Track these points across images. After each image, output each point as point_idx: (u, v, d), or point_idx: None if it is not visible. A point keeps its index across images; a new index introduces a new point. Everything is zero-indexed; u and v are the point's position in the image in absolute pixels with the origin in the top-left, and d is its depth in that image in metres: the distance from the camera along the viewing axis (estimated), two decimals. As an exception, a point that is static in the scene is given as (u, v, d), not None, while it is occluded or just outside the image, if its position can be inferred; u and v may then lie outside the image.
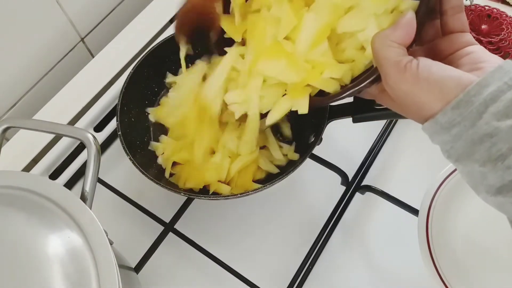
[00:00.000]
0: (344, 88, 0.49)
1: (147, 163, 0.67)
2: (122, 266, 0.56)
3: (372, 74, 0.44)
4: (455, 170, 0.62)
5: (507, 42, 0.74)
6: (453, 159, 0.39)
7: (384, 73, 0.41)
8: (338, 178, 0.70)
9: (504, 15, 0.77)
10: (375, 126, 0.74)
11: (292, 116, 0.55)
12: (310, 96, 0.52)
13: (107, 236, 0.44)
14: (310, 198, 0.72)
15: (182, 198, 0.69)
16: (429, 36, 0.45)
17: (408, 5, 0.42)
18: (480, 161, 0.37)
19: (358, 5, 0.46)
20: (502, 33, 0.75)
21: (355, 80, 0.48)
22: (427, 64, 0.39)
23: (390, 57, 0.40)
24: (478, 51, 0.41)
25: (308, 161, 0.67)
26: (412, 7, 0.42)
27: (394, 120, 0.75)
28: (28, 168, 0.73)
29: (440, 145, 0.40)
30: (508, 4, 0.83)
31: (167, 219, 0.68)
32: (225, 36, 0.57)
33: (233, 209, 0.71)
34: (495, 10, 0.78)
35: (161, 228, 0.67)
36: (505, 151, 0.35)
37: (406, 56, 0.40)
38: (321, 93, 0.52)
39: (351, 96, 0.48)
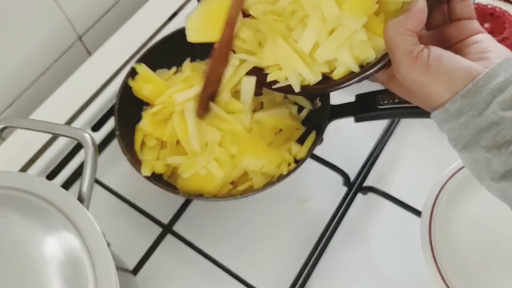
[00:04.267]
0: (353, 74, 0.48)
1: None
2: (119, 268, 0.55)
3: (382, 59, 0.44)
4: (458, 171, 0.62)
5: (510, 41, 0.74)
6: (459, 146, 0.41)
7: (395, 61, 0.42)
8: (340, 179, 0.70)
9: (506, 14, 0.77)
10: (378, 126, 0.73)
11: None
12: (323, 80, 0.51)
13: (104, 237, 0.44)
14: (312, 199, 0.71)
15: (180, 199, 0.69)
16: (437, 22, 0.46)
17: None
18: (486, 147, 0.38)
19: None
20: (505, 31, 0.75)
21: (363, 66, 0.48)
22: (437, 53, 0.40)
23: (403, 45, 0.41)
24: (485, 40, 0.42)
25: (310, 162, 0.66)
26: None
27: (396, 120, 0.75)
28: (24, 168, 0.73)
29: (448, 133, 0.42)
30: (510, 2, 0.83)
31: (165, 221, 0.68)
32: None
33: (233, 211, 0.71)
34: (497, 8, 0.78)
35: (159, 229, 0.67)
36: (509, 138, 0.37)
37: (418, 45, 0.41)
38: (327, 79, 0.51)
39: (360, 82, 0.48)
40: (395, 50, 0.41)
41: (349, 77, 0.48)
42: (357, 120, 0.61)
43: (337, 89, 0.50)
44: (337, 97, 0.62)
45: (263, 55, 0.53)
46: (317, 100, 0.67)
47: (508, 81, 0.37)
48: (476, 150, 0.39)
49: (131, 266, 0.64)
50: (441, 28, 0.46)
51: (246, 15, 0.54)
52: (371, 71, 0.45)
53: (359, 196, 0.70)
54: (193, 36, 0.56)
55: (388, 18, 0.46)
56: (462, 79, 0.39)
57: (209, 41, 0.54)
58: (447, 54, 0.40)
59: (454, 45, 0.44)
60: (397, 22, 0.41)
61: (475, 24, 0.44)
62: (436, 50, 0.40)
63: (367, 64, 0.47)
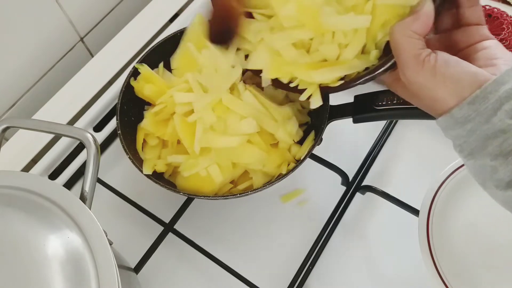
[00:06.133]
0: (358, 75, 0.48)
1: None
2: (121, 267, 0.56)
3: (387, 61, 0.44)
4: (455, 170, 0.62)
5: (508, 42, 0.74)
6: (465, 153, 0.40)
7: (402, 64, 0.41)
8: (338, 178, 0.70)
9: (504, 15, 0.77)
10: (376, 126, 0.74)
11: None
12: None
13: (106, 236, 0.44)
14: (311, 198, 0.71)
15: (182, 198, 0.69)
16: (446, 25, 0.45)
17: None
18: (492, 155, 0.38)
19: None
20: (503, 32, 0.75)
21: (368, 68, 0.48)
22: (445, 58, 0.39)
23: (410, 48, 0.40)
24: (493, 46, 0.42)
25: (309, 161, 0.66)
26: None
27: (394, 121, 0.75)
28: (27, 168, 0.73)
29: (453, 139, 0.41)
30: (508, 3, 0.83)
31: (166, 219, 0.68)
32: None
33: (233, 209, 0.71)
34: (495, 9, 0.78)
35: (160, 228, 0.67)
36: None
37: (425, 49, 0.40)
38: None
39: (365, 84, 0.47)
40: (401, 53, 0.41)
41: (355, 79, 0.48)
42: (356, 121, 0.61)
43: (342, 89, 0.49)
44: (336, 98, 0.62)
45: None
46: None
47: None
48: (482, 157, 0.39)
49: (132, 264, 0.64)
50: (449, 33, 0.45)
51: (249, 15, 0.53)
52: (377, 72, 0.45)
53: (358, 195, 0.70)
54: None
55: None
56: (469, 85, 0.38)
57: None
58: (454, 59, 0.40)
59: (462, 50, 0.43)
60: (404, 24, 0.41)
61: (484, 30, 0.43)
62: (443, 55, 0.40)
63: (373, 65, 0.47)
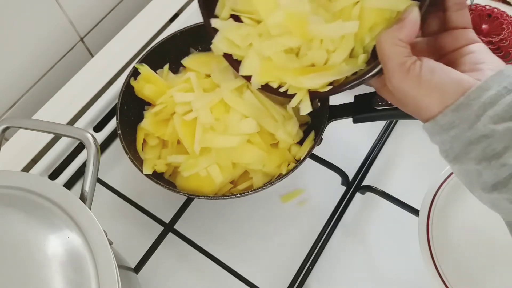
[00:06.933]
0: (347, 80, 0.48)
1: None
2: (121, 267, 0.56)
3: (375, 67, 0.44)
4: (455, 170, 0.62)
5: (508, 42, 0.74)
6: (450, 158, 0.41)
7: (388, 72, 0.41)
8: (338, 178, 0.70)
9: (504, 15, 0.77)
10: (376, 126, 0.74)
11: None
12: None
13: (106, 236, 0.44)
14: (311, 198, 0.71)
15: (181, 198, 0.69)
16: (433, 29, 0.46)
17: (408, 2, 0.42)
18: (476, 159, 0.38)
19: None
20: (503, 33, 0.75)
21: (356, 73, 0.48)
22: (429, 66, 0.40)
23: (395, 57, 0.40)
24: (479, 50, 0.42)
25: (309, 161, 0.66)
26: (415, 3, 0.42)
27: (394, 121, 0.75)
28: (27, 168, 0.73)
29: (439, 145, 0.42)
30: (508, 3, 0.83)
31: (166, 219, 0.68)
32: None
33: (233, 209, 0.71)
34: (495, 9, 0.78)
35: (160, 228, 0.67)
36: (500, 150, 0.37)
37: (411, 56, 0.40)
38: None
39: (353, 88, 0.48)
40: (387, 61, 0.41)
41: (343, 84, 0.48)
42: (356, 121, 0.61)
43: (331, 95, 0.50)
44: (336, 98, 0.62)
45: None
46: (317, 101, 0.68)
47: (500, 94, 0.37)
48: (466, 162, 0.39)
49: (133, 264, 0.64)
50: (437, 36, 0.45)
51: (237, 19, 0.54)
52: (364, 78, 0.45)
53: (358, 195, 0.70)
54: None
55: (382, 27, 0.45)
56: (453, 92, 0.39)
57: None
58: (439, 67, 0.40)
59: (449, 54, 0.44)
60: (390, 32, 0.41)
61: (471, 33, 0.43)
62: (428, 63, 0.40)
63: (361, 70, 0.47)
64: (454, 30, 0.44)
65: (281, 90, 0.53)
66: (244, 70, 0.54)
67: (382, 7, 0.44)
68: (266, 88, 0.55)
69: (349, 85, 0.47)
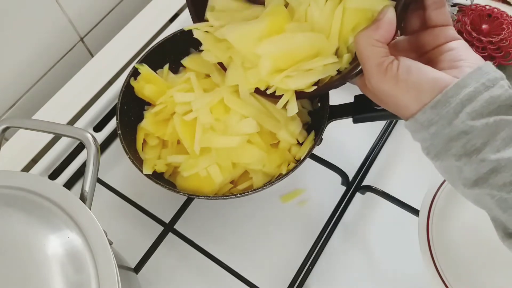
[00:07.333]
0: (331, 79, 0.50)
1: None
2: (121, 267, 0.56)
3: (356, 66, 0.45)
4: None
5: (508, 42, 0.74)
6: (431, 155, 0.42)
7: (366, 72, 0.42)
8: (338, 178, 0.70)
9: (504, 15, 0.77)
10: (376, 126, 0.74)
11: None
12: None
13: (106, 236, 0.44)
14: (311, 198, 0.71)
15: (182, 198, 0.69)
16: (414, 27, 0.46)
17: (385, 3, 0.43)
18: (456, 155, 0.39)
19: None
20: (503, 32, 0.75)
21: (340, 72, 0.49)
22: (406, 65, 0.40)
23: (373, 57, 0.41)
24: (459, 47, 0.43)
25: (309, 161, 0.66)
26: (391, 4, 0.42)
27: (394, 121, 0.75)
28: (27, 168, 0.73)
29: (420, 143, 0.43)
30: (508, 3, 0.83)
31: (166, 219, 0.68)
32: None
33: (233, 209, 0.71)
34: (495, 9, 0.78)
35: (160, 228, 0.67)
36: (479, 146, 0.38)
37: (388, 56, 0.41)
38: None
39: (337, 88, 0.49)
40: (365, 62, 0.42)
41: (328, 83, 0.50)
42: (356, 121, 0.61)
43: (317, 94, 0.52)
44: (336, 98, 0.63)
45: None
46: (317, 101, 0.68)
47: (477, 91, 0.38)
48: (447, 158, 0.40)
49: (132, 264, 0.64)
50: (417, 34, 0.46)
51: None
52: (347, 77, 0.47)
53: (358, 195, 0.70)
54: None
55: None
56: (430, 90, 0.39)
57: None
58: (416, 66, 0.40)
59: (429, 52, 0.44)
60: (367, 33, 0.42)
61: (450, 30, 0.44)
62: (405, 62, 0.41)
63: (345, 68, 0.48)
64: (434, 28, 0.44)
65: (268, 92, 0.55)
66: (229, 81, 0.57)
67: (362, 7, 0.45)
68: (256, 91, 0.56)
69: (334, 83, 0.48)
